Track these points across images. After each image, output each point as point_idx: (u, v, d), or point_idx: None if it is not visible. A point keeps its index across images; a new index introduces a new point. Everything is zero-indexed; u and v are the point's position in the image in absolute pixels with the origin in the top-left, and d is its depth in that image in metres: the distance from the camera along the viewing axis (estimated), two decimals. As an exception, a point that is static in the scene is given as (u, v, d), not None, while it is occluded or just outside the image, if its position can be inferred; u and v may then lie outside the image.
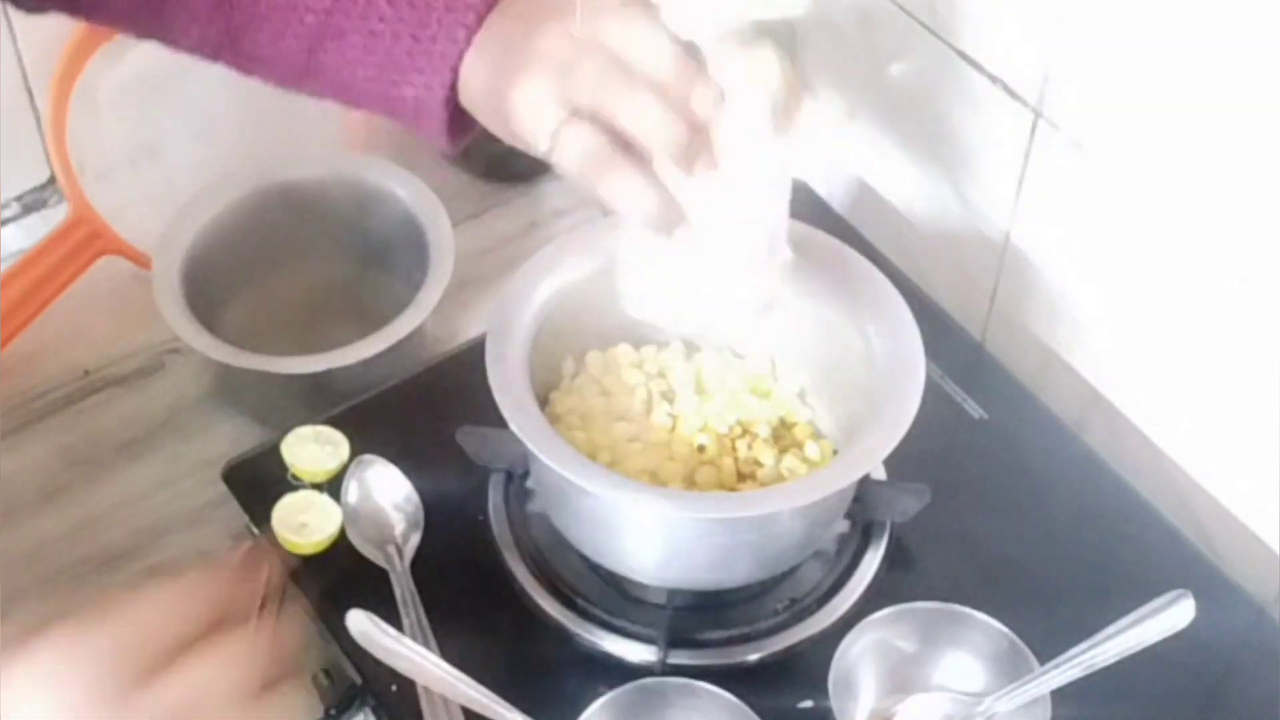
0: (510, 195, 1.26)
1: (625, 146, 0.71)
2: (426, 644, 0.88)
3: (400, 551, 0.93)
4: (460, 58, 0.75)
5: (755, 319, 0.83)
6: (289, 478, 0.96)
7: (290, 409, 1.01)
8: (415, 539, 0.94)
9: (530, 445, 0.83)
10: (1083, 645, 0.83)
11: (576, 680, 0.89)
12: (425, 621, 0.90)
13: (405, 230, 1.11)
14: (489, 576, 0.94)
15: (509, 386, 0.85)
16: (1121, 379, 1.01)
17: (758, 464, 0.92)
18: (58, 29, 1.14)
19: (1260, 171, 0.84)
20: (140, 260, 1.12)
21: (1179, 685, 0.88)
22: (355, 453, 0.97)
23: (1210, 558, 0.95)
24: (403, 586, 0.91)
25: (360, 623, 0.82)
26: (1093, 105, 0.93)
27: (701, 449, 0.92)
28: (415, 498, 0.96)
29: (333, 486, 0.96)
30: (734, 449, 0.92)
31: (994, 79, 0.99)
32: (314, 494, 0.96)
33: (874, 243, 1.09)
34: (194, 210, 1.10)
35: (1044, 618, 0.88)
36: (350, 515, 0.95)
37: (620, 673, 0.88)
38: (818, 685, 0.84)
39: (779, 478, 0.91)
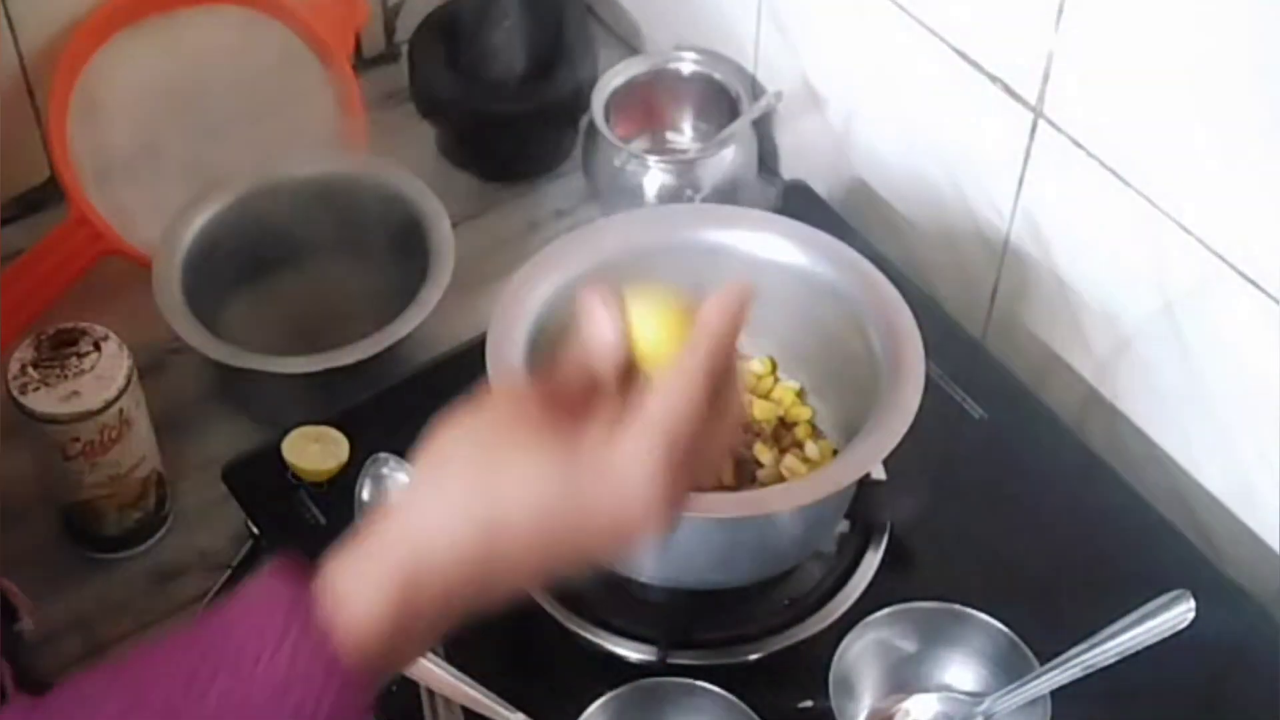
0: (510, 195, 1.25)
1: None
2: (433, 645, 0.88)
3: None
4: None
5: None
6: (289, 478, 0.96)
7: (290, 409, 1.01)
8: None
9: (530, 445, 0.83)
10: (1083, 645, 0.83)
11: (576, 680, 0.89)
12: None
13: (405, 230, 1.11)
14: (489, 576, 0.93)
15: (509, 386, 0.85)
16: (1121, 379, 1.01)
17: (758, 464, 0.92)
18: (58, 28, 1.14)
19: (1259, 171, 0.84)
20: (140, 260, 1.12)
21: (1179, 685, 0.88)
22: (355, 452, 0.97)
23: (1210, 558, 0.95)
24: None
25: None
26: (1093, 105, 0.93)
27: (701, 449, 0.92)
28: None
29: (332, 486, 0.96)
30: (734, 449, 0.92)
31: (994, 79, 0.99)
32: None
33: (874, 243, 1.09)
34: (194, 210, 1.10)
35: (1044, 618, 0.88)
36: (364, 514, 0.94)
37: (620, 673, 0.88)
38: (818, 685, 0.84)
39: (779, 478, 0.91)
